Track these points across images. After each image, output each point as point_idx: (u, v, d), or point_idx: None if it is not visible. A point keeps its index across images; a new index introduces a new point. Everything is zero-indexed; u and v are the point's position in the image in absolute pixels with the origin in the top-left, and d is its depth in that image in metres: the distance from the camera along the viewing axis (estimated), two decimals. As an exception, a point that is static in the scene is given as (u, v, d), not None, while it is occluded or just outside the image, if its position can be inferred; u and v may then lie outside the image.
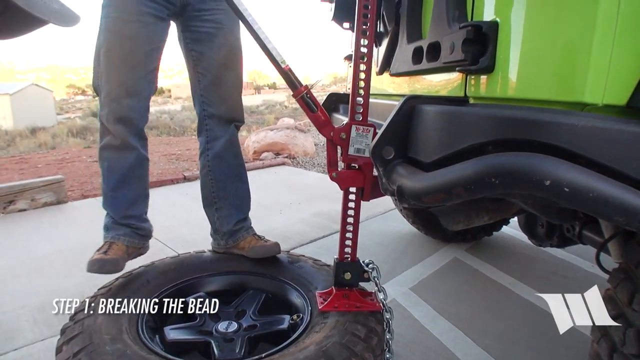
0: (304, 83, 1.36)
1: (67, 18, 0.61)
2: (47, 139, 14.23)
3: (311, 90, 1.35)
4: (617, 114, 0.66)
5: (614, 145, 0.61)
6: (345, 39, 1.71)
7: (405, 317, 1.81)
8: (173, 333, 1.39)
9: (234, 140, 1.85)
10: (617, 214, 0.57)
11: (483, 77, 0.82)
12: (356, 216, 1.39)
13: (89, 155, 7.46)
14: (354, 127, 1.27)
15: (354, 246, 1.41)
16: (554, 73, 0.69)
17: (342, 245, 1.41)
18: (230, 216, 1.86)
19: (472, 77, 0.86)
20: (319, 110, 1.33)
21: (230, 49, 1.74)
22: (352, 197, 1.37)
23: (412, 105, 0.88)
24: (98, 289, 1.50)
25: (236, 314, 1.53)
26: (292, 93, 1.35)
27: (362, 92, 1.26)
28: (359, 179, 1.32)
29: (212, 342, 1.33)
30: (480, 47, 0.79)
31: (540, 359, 1.54)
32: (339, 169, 1.34)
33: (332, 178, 1.32)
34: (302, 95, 1.32)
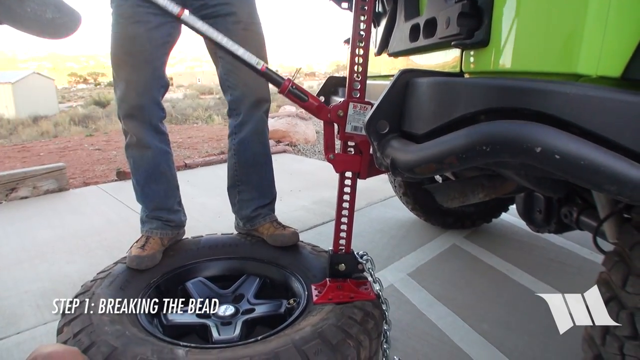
0: (303, 73, 1.35)
1: (62, 27, 0.54)
2: (49, 128, 14.23)
3: (295, 82, 1.33)
4: (612, 85, 0.66)
5: (607, 114, 0.61)
6: (345, 23, 1.69)
7: (403, 303, 1.83)
8: (172, 316, 1.41)
9: (261, 128, 1.85)
10: (608, 183, 0.57)
11: (478, 51, 0.82)
12: (351, 205, 1.39)
13: (90, 144, 7.48)
14: (351, 105, 1.27)
15: (349, 238, 1.42)
16: (548, 45, 0.69)
17: (337, 237, 1.42)
18: (250, 201, 1.88)
19: (468, 52, 0.86)
20: (309, 98, 1.32)
21: (244, 26, 1.72)
22: (348, 188, 1.37)
23: (407, 78, 0.87)
24: (97, 273, 1.52)
25: (234, 298, 1.55)
26: (277, 91, 1.34)
27: (359, 69, 1.25)
28: (355, 164, 1.32)
29: (210, 325, 1.35)
30: (476, 20, 0.79)
31: (536, 343, 1.56)
32: (336, 152, 1.33)
33: (328, 160, 1.32)
34: (289, 88, 1.31)
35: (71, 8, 0.55)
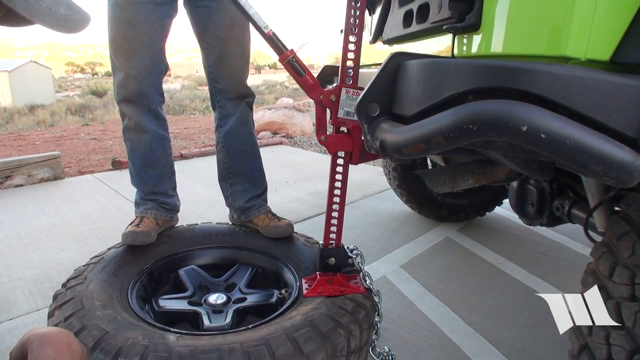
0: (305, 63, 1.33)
1: (74, 23, 0.58)
2: (45, 117, 14.13)
3: (298, 56, 1.32)
4: (601, 69, 0.66)
5: (594, 95, 0.61)
6: (342, 13, 1.70)
7: (394, 294, 1.84)
8: (163, 303, 1.41)
9: (245, 119, 1.86)
10: (594, 163, 0.57)
11: (470, 36, 0.82)
12: (342, 200, 1.38)
13: (86, 133, 7.45)
14: (343, 90, 1.26)
15: (339, 232, 1.42)
16: (538, 28, 0.70)
17: (327, 231, 1.42)
18: (243, 192, 1.89)
19: (460, 37, 0.86)
20: (306, 74, 1.31)
21: (231, 22, 1.72)
22: (341, 171, 1.37)
23: (398, 61, 0.87)
24: (90, 258, 1.52)
25: (226, 287, 1.55)
26: (278, 58, 1.32)
27: (352, 55, 1.24)
28: (348, 143, 1.32)
29: (201, 312, 1.35)
30: (467, 4, 0.79)
31: (525, 335, 1.57)
32: (328, 133, 1.33)
33: (320, 141, 1.32)
34: (289, 59, 1.30)
35: (81, 8, 0.59)
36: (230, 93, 1.81)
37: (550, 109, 0.61)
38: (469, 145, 0.69)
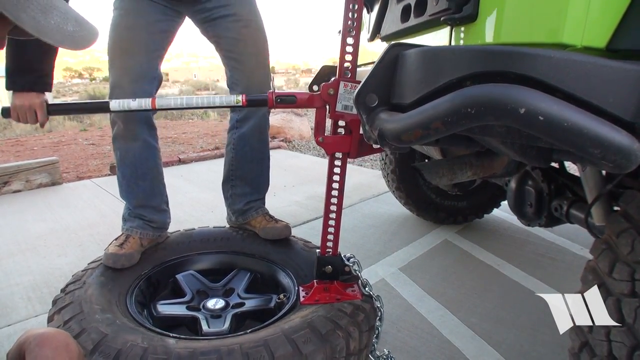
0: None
1: (81, 40, 0.56)
2: (43, 123, 14.08)
3: (277, 90, 1.38)
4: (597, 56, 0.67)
5: (591, 80, 0.61)
6: (339, 14, 1.70)
7: (393, 297, 1.84)
8: (161, 308, 1.41)
9: (262, 126, 1.86)
10: (591, 146, 0.57)
11: (467, 27, 0.83)
12: (339, 208, 1.38)
13: (84, 138, 7.45)
14: (342, 84, 1.27)
15: (336, 240, 1.42)
16: (534, 16, 0.70)
17: (324, 239, 1.41)
18: (243, 195, 1.88)
19: (457, 29, 0.86)
20: (296, 97, 1.34)
21: (245, 24, 1.72)
22: (338, 169, 1.37)
23: (396, 52, 0.87)
24: (89, 263, 1.52)
25: (224, 292, 1.55)
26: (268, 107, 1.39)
27: (350, 48, 1.24)
28: (345, 144, 1.32)
29: (200, 317, 1.35)
30: None
31: (524, 337, 1.57)
32: (325, 134, 1.33)
33: (318, 142, 1.32)
34: (275, 100, 1.33)
35: (90, 23, 0.58)
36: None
37: (548, 93, 0.61)
38: (466, 132, 0.69)
